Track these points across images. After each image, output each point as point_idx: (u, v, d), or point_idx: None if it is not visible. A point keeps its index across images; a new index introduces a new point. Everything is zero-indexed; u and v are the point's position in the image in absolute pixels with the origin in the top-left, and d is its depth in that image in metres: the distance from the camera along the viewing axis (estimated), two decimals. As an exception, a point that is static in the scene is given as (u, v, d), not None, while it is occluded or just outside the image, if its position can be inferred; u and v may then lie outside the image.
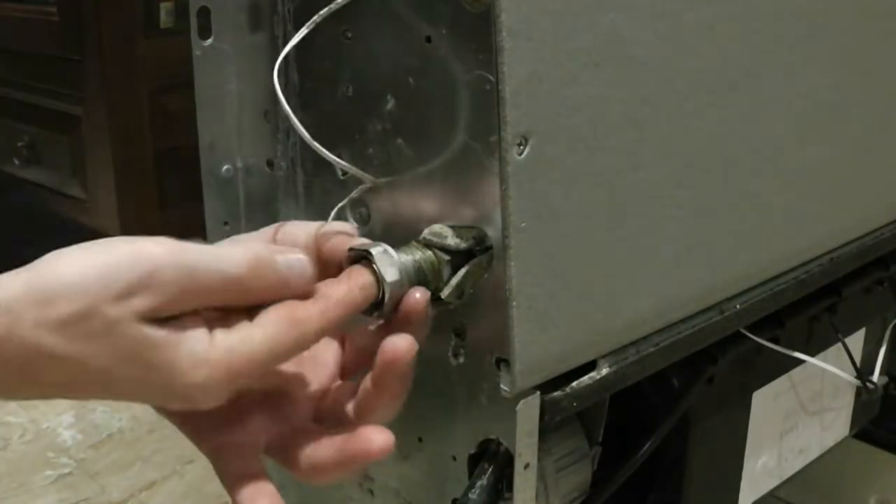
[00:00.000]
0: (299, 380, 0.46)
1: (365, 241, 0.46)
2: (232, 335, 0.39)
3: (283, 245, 0.47)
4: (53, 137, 1.82)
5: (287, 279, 0.41)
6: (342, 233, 0.47)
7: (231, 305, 0.40)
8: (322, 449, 0.43)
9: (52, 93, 1.78)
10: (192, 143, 0.60)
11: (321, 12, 0.49)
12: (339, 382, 0.47)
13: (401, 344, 0.42)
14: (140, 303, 0.37)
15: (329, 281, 0.43)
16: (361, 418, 0.44)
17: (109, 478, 1.48)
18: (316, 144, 0.48)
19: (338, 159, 0.50)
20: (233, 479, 0.42)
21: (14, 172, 1.91)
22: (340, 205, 0.54)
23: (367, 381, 0.43)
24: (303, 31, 0.49)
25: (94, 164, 1.76)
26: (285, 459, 0.44)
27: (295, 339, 0.40)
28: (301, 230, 0.48)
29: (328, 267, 0.46)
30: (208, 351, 0.38)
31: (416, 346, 0.42)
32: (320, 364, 0.47)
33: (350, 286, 0.43)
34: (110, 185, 1.73)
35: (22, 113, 1.87)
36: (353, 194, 0.54)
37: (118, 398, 0.39)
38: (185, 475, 1.47)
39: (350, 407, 0.45)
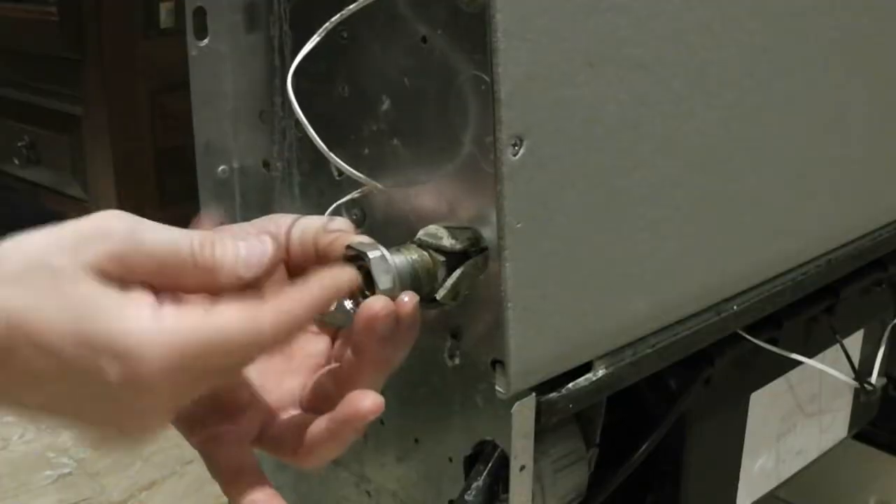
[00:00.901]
0: (289, 368, 0.47)
1: (364, 239, 0.46)
2: (184, 317, 0.37)
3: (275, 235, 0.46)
4: (53, 137, 1.82)
5: (242, 262, 0.39)
6: (341, 230, 0.47)
7: (190, 287, 0.39)
8: (313, 427, 0.43)
9: (52, 93, 1.78)
10: (192, 143, 0.60)
11: (333, 19, 0.48)
12: (324, 370, 0.47)
13: (376, 304, 0.42)
14: (88, 252, 0.36)
15: (307, 287, 0.42)
16: (345, 391, 0.43)
17: (109, 478, 1.48)
18: (327, 151, 0.47)
19: (350, 168, 0.49)
20: (226, 472, 0.42)
21: (14, 172, 1.91)
22: (336, 204, 0.54)
23: (349, 353, 0.44)
24: (315, 39, 0.49)
25: (94, 164, 1.76)
26: (277, 447, 0.44)
27: (255, 335, 0.38)
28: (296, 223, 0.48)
29: (325, 263, 0.46)
30: (154, 318, 0.36)
31: (392, 306, 0.43)
32: (309, 354, 0.47)
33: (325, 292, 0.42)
34: (110, 185, 1.74)
35: (22, 113, 1.87)
36: (355, 194, 0.53)
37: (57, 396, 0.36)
38: (185, 475, 1.47)
39: (335, 391, 0.45)
